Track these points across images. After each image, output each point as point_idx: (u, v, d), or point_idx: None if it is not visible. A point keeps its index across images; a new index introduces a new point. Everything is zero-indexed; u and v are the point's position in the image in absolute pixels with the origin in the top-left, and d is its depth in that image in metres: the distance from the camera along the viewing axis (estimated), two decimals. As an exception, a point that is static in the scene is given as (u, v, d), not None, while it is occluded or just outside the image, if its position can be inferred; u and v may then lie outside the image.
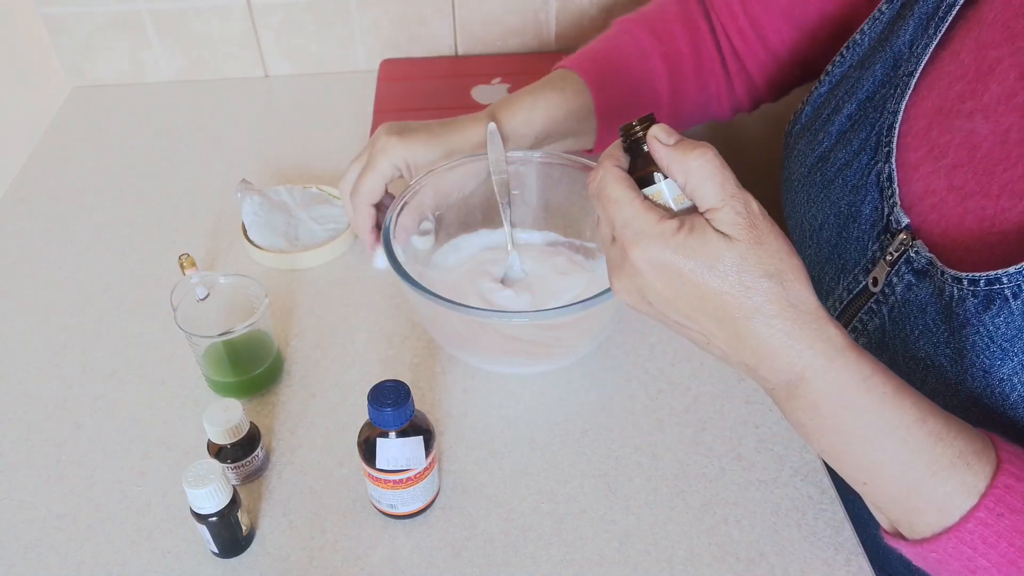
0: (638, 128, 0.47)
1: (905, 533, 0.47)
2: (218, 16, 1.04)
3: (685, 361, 0.71)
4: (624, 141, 0.48)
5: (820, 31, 0.73)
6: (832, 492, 0.61)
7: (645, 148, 0.47)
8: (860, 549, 0.58)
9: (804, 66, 0.76)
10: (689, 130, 0.82)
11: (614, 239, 0.47)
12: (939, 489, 0.44)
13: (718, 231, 0.44)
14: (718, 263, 0.43)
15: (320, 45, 1.09)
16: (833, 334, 0.44)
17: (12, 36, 1.04)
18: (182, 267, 0.71)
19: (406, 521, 0.60)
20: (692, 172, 0.44)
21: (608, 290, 0.59)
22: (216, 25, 1.05)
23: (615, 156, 0.48)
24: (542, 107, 0.74)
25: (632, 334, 0.73)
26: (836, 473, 0.64)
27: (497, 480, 0.63)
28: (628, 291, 0.47)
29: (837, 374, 0.44)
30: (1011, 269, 0.47)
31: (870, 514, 0.64)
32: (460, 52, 1.12)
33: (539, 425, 0.66)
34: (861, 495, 0.48)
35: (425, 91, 1.04)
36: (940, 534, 0.44)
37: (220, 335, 0.64)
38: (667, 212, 0.46)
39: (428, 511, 0.60)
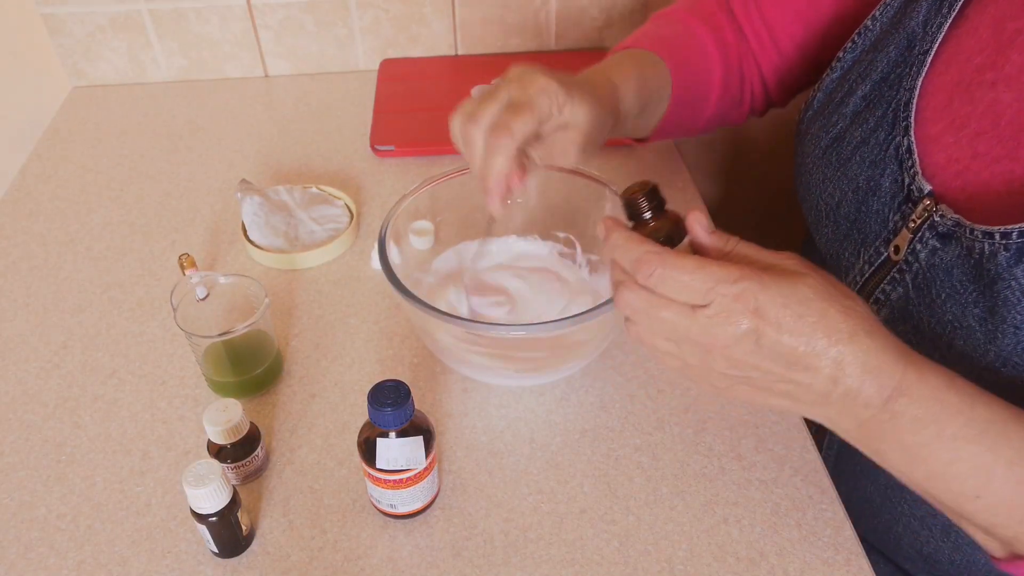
0: (643, 198, 0.50)
1: (1023, 545, 0.46)
2: (218, 16, 1.04)
3: (685, 361, 0.71)
4: (634, 207, 0.50)
5: (832, 32, 0.73)
6: (832, 492, 0.61)
7: (647, 216, 0.50)
8: (860, 549, 0.58)
9: (816, 69, 0.76)
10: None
11: (697, 308, 0.45)
12: None
13: (789, 270, 0.45)
14: (815, 292, 0.44)
15: (320, 45, 1.09)
16: (904, 345, 0.45)
17: (12, 36, 1.04)
18: (182, 267, 0.71)
19: (406, 521, 0.60)
20: (736, 242, 0.48)
21: (605, 303, 0.58)
22: (216, 25, 1.05)
23: (629, 232, 0.49)
24: (647, 79, 0.71)
25: (632, 334, 0.73)
26: (846, 479, 0.65)
27: (497, 480, 0.63)
28: (739, 348, 0.45)
29: (928, 380, 0.44)
30: None
31: (882, 498, 0.64)
32: (460, 52, 1.12)
33: (539, 425, 0.66)
34: (971, 523, 0.47)
35: (425, 91, 1.04)
36: None
37: (220, 335, 0.64)
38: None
39: (428, 511, 0.60)
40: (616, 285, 0.48)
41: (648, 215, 0.50)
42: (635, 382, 0.69)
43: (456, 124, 0.59)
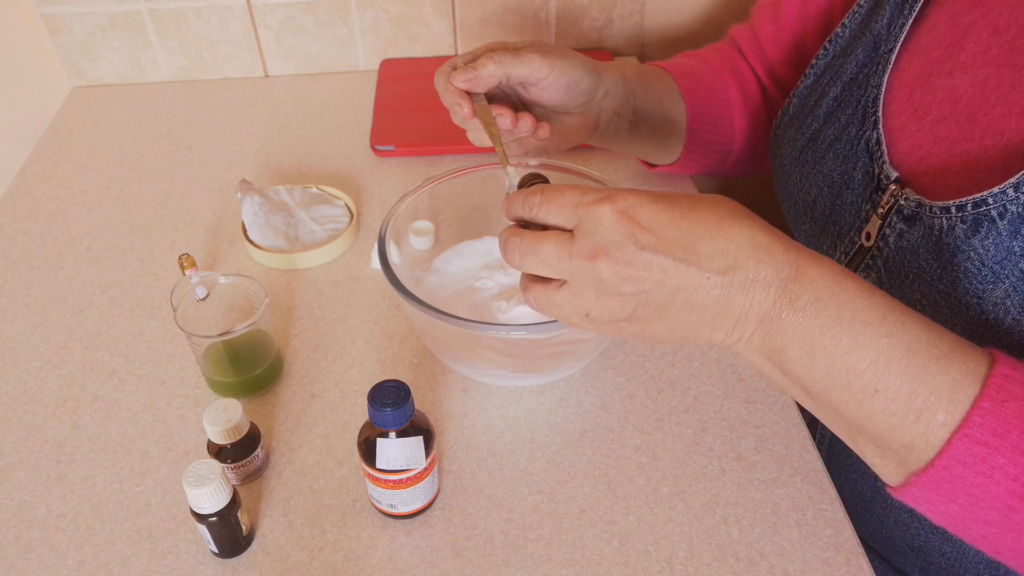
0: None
1: (919, 455, 0.44)
2: (218, 16, 1.04)
3: (685, 361, 0.71)
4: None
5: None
6: (832, 492, 0.61)
7: None
8: (860, 549, 0.58)
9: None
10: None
11: (577, 225, 0.47)
12: (946, 375, 0.43)
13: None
14: (680, 193, 0.47)
15: (320, 45, 1.09)
16: (781, 232, 0.47)
17: (12, 36, 1.04)
18: (182, 267, 0.71)
19: (406, 521, 0.60)
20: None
21: None
22: (216, 25, 1.05)
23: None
24: (642, 72, 0.77)
25: (632, 334, 0.73)
26: (836, 473, 0.65)
27: (497, 480, 0.63)
28: (621, 255, 0.45)
29: (824, 264, 0.45)
30: (995, 189, 0.50)
31: (872, 492, 0.64)
32: (460, 52, 1.11)
33: (539, 425, 0.66)
34: (869, 436, 0.46)
35: (425, 91, 1.04)
36: (951, 440, 0.42)
37: (220, 335, 0.64)
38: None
39: (428, 511, 0.60)
40: (504, 239, 0.50)
41: None
42: (635, 382, 0.70)
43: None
